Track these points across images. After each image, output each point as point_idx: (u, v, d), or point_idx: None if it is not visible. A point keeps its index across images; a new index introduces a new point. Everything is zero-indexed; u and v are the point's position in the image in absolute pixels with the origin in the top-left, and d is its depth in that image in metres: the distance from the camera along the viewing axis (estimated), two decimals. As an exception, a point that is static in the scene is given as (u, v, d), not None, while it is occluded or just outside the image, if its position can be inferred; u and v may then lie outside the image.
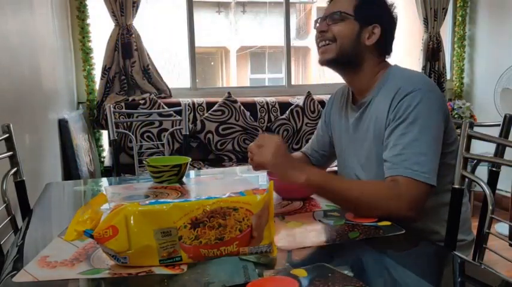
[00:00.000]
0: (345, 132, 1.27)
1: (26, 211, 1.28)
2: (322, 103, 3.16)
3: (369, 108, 1.17)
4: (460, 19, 3.61)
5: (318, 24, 1.20)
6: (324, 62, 1.20)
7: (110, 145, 2.84)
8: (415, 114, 1.06)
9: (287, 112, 3.12)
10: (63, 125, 2.35)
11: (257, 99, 3.18)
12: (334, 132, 1.35)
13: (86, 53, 2.93)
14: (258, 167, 1.14)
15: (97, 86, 2.97)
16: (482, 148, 2.03)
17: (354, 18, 1.16)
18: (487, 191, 1.02)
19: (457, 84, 3.69)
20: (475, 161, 1.24)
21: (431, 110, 1.07)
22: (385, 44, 1.20)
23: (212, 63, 7.60)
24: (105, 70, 2.92)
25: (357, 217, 0.97)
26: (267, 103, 3.16)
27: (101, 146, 3.10)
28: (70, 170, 2.32)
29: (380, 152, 1.12)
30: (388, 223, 0.93)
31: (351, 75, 1.21)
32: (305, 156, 1.46)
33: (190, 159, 1.37)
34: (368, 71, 1.19)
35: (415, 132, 1.05)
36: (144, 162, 1.37)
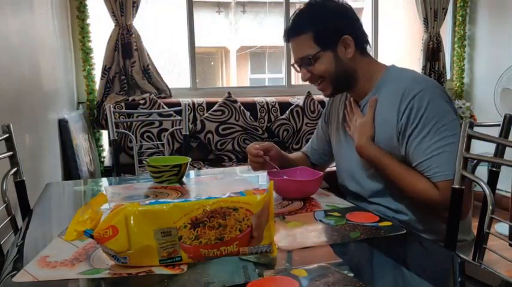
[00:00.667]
0: (344, 133, 1.26)
1: (26, 211, 1.28)
2: (322, 103, 3.16)
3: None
4: (460, 19, 3.61)
5: (299, 72, 1.21)
6: (329, 97, 1.30)
7: (109, 145, 2.84)
8: (428, 114, 1.07)
9: (287, 112, 3.12)
10: (63, 125, 2.35)
11: (257, 99, 3.18)
12: (332, 132, 1.35)
13: (86, 53, 2.93)
14: (258, 169, 1.24)
15: (97, 86, 2.97)
16: (481, 148, 2.03)
17: (323, 50, 1.14)
18: (487, 191, 1.02)
19: (457, 84, 3.69)
20: (475, 161, 1.24)
21: (442, 106, 1.08)
22: (360, 40, 1.18)
23: (212, 63, 7.60)
24: (105, 70, 2.92)
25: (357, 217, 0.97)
26: (267, 103, 3.16)
27: (101, 146, 3.10)
28: (70, 170, 2.32)
29: None
30: (389, 223, 0.93)
31: (353, 87, 1.21)
32: (305, 156, 1.45)
33: (190, 159, 1.37)
34: (364, 75, 1.19)
35: (433, 133, 1.06)
36: (144, 162, 1.37)
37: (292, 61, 1.23)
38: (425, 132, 1.07)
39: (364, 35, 1.20)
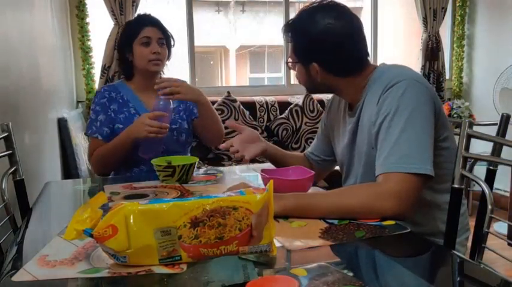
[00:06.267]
0: (344, 140, 1.23)
1: (25, 210, 1.28)
2: (321, 103, 3.16)
3: (362, 112, 1.14)
4: (459, 19, 3.61)
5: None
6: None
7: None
8: (399, 104, 1.02)
9: (286, 111, 3.12)
10: (62, 124, 2.35)
11: (256, 98, 3.17)
12: (333, 140, 1.32)
13: (85, 52, 2.93)
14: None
15: (96, 85, 2.97)
16: (479, 147, 2.04)
17: (298, 62, 1.17)
18: (487, 191, 1.02)
19: (456, 83, 3.69)
20: (472, 160, 1.25)
21: (418, 99, 1.02)
22: (335, 68, 1.14)
23: (211, 62, 7.60)
24: (105, 69, 2.91)
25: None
26: (266, 102, 3.16)
27: (100, 145, 3.10)
28: (69, 169, 2.32)
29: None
30: (393, 222, 0.93)
31: (338, 94, 1.23)
32: (305, 158, 1.43)
33: (198, 159, 1.37)
34: (349, 89, 1.17)
35: (401, 124, 1.00)
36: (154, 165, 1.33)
37: None
38: (393, 122, 1.02)
39: (349, 63, 1.14)
